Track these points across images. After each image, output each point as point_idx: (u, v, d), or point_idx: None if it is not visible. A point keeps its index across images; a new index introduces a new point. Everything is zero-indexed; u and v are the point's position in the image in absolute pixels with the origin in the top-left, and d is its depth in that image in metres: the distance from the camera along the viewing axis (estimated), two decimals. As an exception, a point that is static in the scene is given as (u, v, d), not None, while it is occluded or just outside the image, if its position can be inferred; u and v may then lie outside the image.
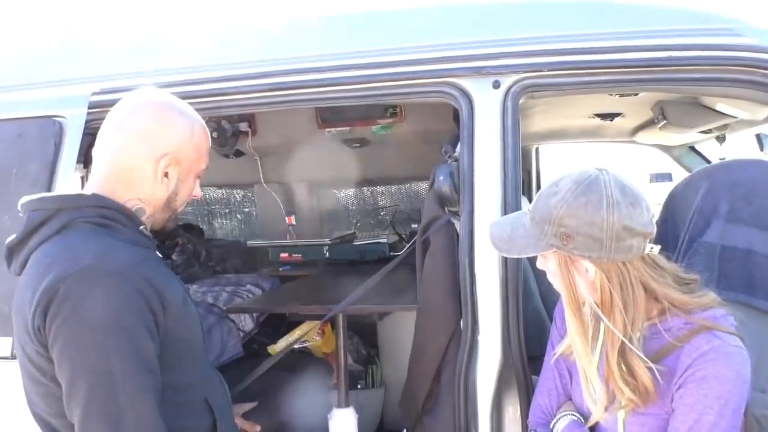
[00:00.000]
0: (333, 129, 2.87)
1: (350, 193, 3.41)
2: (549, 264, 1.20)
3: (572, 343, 1.21)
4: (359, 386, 2.63)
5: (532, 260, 1.64)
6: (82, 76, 1.76)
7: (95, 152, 1.30)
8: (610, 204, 1.08)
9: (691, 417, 1.09)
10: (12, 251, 1.26)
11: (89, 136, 2.15)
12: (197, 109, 1.73)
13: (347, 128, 2.87)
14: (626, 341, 1.12)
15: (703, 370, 1.08)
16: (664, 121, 2.13)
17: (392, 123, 2.83)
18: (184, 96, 1.69)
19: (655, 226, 1.13)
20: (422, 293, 1.62)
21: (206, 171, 1.39)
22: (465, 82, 1.54)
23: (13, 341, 1.53)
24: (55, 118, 1.70)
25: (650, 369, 1.10)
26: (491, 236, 1.25)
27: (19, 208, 1.26)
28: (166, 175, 1.28)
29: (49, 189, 1.62)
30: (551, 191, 1.15)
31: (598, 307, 1.15)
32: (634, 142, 2.88)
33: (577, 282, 1.16)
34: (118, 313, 1.11)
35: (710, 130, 2.31)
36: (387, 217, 3.28)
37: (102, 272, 1.12)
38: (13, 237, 1.25)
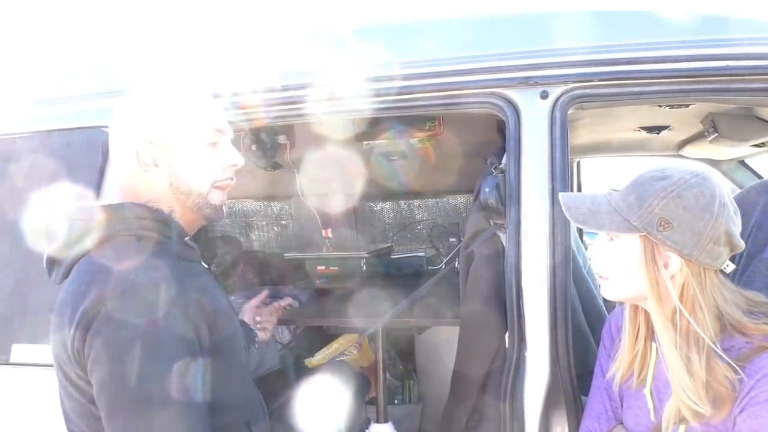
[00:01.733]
0: (371, 142, 2.87)
1: (387, 206, 3.39)
2: (619, 247, 1.12)
3: (660, 339, 1.12)
4: (396, 401, 2.59)
5: (573, 273, 1.59)
6: (128, 88, 1.79)
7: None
8: (723, 204, 1.05)
9: None
10: (53, 261, 1.23)
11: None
12: (240, 120, 1.76)
13: (385, 141, 2.87)
14: (706, 345, 1.05)
15: (767, 391, 1.02)
16: (715, 134, 2.05)
17: (431, 136, 2.81)
18: (227, 107, 1.73)
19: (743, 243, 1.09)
20: (466, 307, 1.58)
21: (228, 137, 1.32)
22: (512, 93, 1.51)
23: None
24: (103, 128, 1.72)
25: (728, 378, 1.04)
26: (566, 206, 1.18)
27: (60, 216, 1.25)
28: (155, 164, 1.21)
29: (97, 195, 1.64)
30: (658, 175, 1.10)
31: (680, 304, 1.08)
32: (680, 156, 2.80)
33: (661, 272, 1.09)
34: (160, 338, 1.06)
35: (763, 143, 2.23)
36: (424, 230, 3.25)
37: (145, 294, 1.07)
38: (54, 245, 1.22)
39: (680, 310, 1.08)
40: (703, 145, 2.45)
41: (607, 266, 1.17)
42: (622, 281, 1.15)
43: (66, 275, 1.20)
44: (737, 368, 1.04)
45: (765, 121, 1.92)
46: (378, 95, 1.62)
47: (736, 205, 1.07)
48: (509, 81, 1.51)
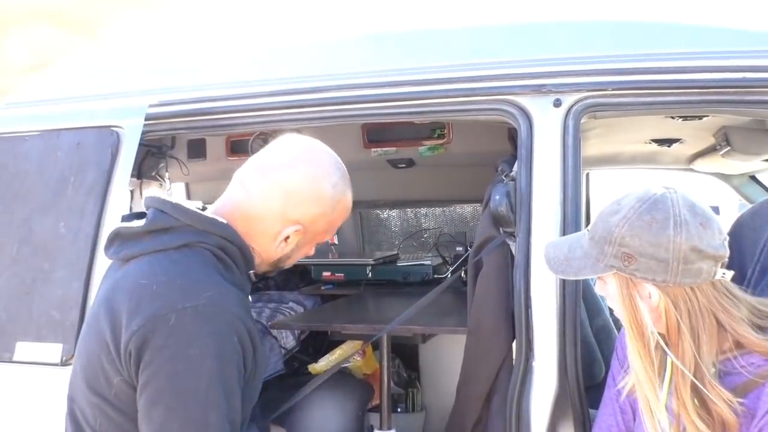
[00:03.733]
0: (379, 149, 2.87)
1: (394, 214, 3.39)
2: (608, 288, 1.13)
3: (635, 374, 1.14)
4: (399, 410, 2.57)
5: (583, 289, 1.58)
6: (139, 89, 1.80)
7: (237, 176, 1.24)
8: (678, 223, 1.02)
9: None
10: (120, 237, 1.18)
11: (144, 147, 2.21)
12: (246, 123, 1.76)
13: (393, 148, 2.86)
14: (697, 375, 1.04)
15: None
16: (728, 148, 2.04)
17: (439, 144, 2.81)
18: (235, 110, 1.73)
19: (728, 249, 1.06)
20: (473, 315, 1.56)
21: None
22: (524, 100, 1.50)
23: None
24: (113, 128, 1.72)
25: (729, 402, 1.02)
26: (546, 257, 1.19)
27: (142, 198, 1.22)
28: (286, 239, 1.21)
29: (104, 197, 1.63)
30: (612, 209, 1.09)
31: (663, 335, 1.08)
32: (690, 169, 2.78)
33: (639, 307, 1.08)
34: (224, 363, 1.05)
35: (776, 157, 2.21)
36: (430, 239, 3.24)
37: (217, 316, 1.05)
38: (128, 224, 1.18)
39: (661, 343, 1.07)
40: (714, 158, 2.44)
41: (611, 305, 1.16)
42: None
43: (127, 260, 1.16)
44: (731, 397, 1.02)
45: (779, 134, 1.91)
46: (389, 100, 1.61)
47: (705, 216, 1.04)
48: (522, 88, 1.50)
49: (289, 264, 1.29)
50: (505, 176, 1.53)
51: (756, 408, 1.03)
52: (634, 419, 1.25)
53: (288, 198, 1.18)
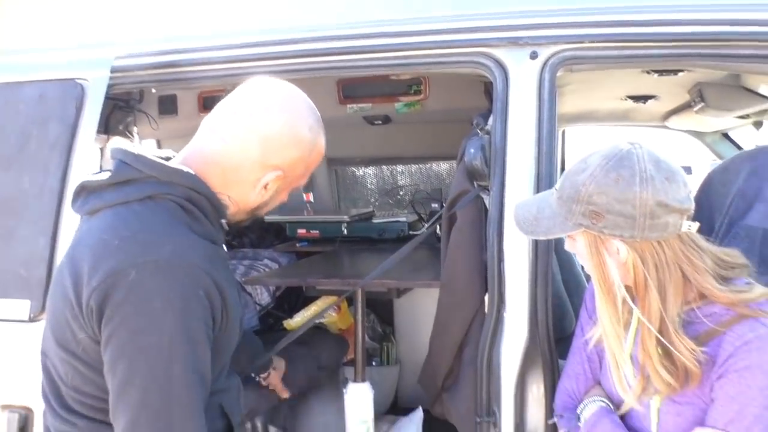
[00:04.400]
0: (355, 105, 2.83)
1: (370, 171, 3.37)
2: (578, 245, 1.14)
3: (602, 327, 1.16)
4: (374, 363, 2.61)
5: (555, 242, 1.59)
6: (105, 40, 1.73)
7: (206, 123, 1.18)
8: (644, 179, 1.02)
9: (731, 408, 1.03)
10: (85, 190, 1.14)
11: (111, 101, 2.14)
12: (218, 76, 1.71)
13: (369, 105, 2.82)
14: (662, 326, 1.06)
15: (746, 359, 1.02)
16: (702, 104, 2.05)
17: (416, 101, 2.78)
18: (206, 62, 1.67)
19: (693, 202, 1.07)
20: (447, 268, 1.57)
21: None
22: (500, 53, 1.48)
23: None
24: (77, 81, 1.66)
25: (692, 351, 1.04)
26: (515, 217, 1.19)
27: (109, 152, 1.16)
28: (265, 186, 1.18)
29: (69, 152, 1.59)
30: (579, 168, 1.09)
31: (631, 288, 1.10)
32: (665, 127, 2.80)
33: (607, 263, 1.09)
34: (187, 316, 1.02)
35: (748, 115, 2.23)
36: (406, 196, 3.23)
37: (180, 269, 1.03)
38: (93, 177, 1.14)
39: (626, 297, 1.09)
40: (688, 116, 2.45)
41: (581, 262, 1.17)
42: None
43: (93, 212, 1.12)
44: (694, 347, 1.04)
45: (751, 91, 1.91)
46: (365, 52, 1.58)
47: (669, 170, 1.04)
48: (498, 41, 1.48)
49: (265, 211, 1.26)
50: (480, 130, 1.52)
51: (717, 355, 1.05)
52: (600, 367, 1.28)
53: (266, 144, 1.14)
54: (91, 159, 1.59)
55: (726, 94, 1.99)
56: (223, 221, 1.20)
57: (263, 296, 2.48)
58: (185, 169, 1.13)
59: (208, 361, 1.06)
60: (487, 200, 1.49)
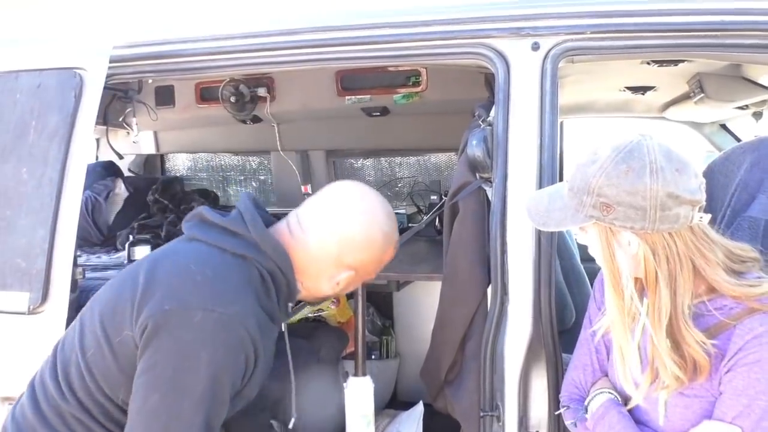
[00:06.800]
0: (353, 97, 2.81)
1: (368, 163, 3.35)
2: (589, 237, 1.13)
3: (610, 319, 1.16)
4: (373, 357, 2.60)
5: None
6: (104, 29, 1.71)
7: (295, 212, 1.31)
8: (654, 170, 1.01)
9: (740, 402, 1.03)
10: (200, 218, 1.28)
11: (110, 91, 2.12)
12: (217, 67, 1.70)
13: (368, 96, 2.81)
14: (672, 318, 1.06)
15: (756, 353, 1.02)
16: (701, 95, 2.04)
17: (415, 92, 2.76)
18: (206, 52, 1.66)
19: (704, 193, 1.06)
20: (449, 261, 1.57)
21: None
22: (502, 44, 1.47)
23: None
24: (75, 70, 1.64)
25: (702, 344, 1.04)
26: (527, 209, 1.18)
27: (240, 197, 1.32)
28: (338, 282, 1.30)
29: (68, 142, 1.57)
30: (589, 159, 1.08)
31: (641, 281, 1.09)
32: (663, 118, 2.80)
33: (617, 255, 1.09)
34: (224, 373, 1.11)
35: (747, 106, 2.23)
36: (405, 188, 3.23)
37: (235, 330, 1.11)
38: (213, 213, 1.26)
39: (634, 292, 1.10)
40: (687, 106, 2.45)
41: (592, 254, 1.17)
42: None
43: (193, 239, 1.24)
44: (704, 339, 1.04)
45: (751, 82, 1.91)
46: (365, 44, 1.57)
47: (680, 161, 1.03)
48: (500, 32, 1.47)
49: (329, 298, 1.41)
50: (482, 121, 1.51)
51: (726, 348, 1.05)
52: (608, 359, 1.28)
53: (343, 245, 1.26)
54: (89, 149, 1.57)
55: (726, 84, 1.98)
56: (291, 306, 1.31)
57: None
58: (282, 247, 1.24)
59: (223, 417, 1.16)
60: (489, 192, 1.48)
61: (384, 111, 2.91)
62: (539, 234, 1.39)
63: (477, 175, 1.51)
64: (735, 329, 1.05)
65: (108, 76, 1.65)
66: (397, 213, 2.79)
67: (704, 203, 1.06)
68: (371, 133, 3.06)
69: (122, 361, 1.16)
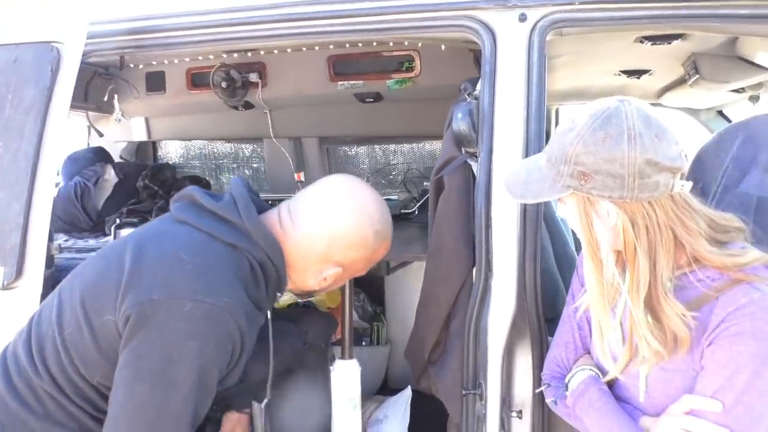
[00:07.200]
0: (346, 82, 2.78)
1: (362, 150, 3.32)
2: (568, 209, 1.09)
3: (589, 293, 1.12)
4: (364, 343, 2.57)
5: (546, 218, 1.54)
6: (83, 3, 1.67)
7: (287, 203, 1.28)
8: (632, 137, 0.96)
9: (721, 375, 0.99)
10: (188, 198, 1.25)
11: (90, 67, 2.09)
12: (200, 41, 1.66)
13: (360, 81, 2.78)
14: (652, 290, 1.02)
15: (738, 324, 0.98)
16: (696, 76, 2.00)
17: (408, 77, 2.73)
18: (188, 27, 1.63)
19: (685, 160, 1.01)
20: (434, 237, 1.54)
21: None
22: (488, 15, 1.44)
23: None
24: (53, 44, 1.61)
25: (682, 316, 1.00)
26: (505, 182, 1.14)
27: (230, 182, 1.29)
28: (325, 278, 1.28)
29: (45, 116, 1.54)
30: (567, 127, 1.03)
31: (621, 252, 1.05)
32: (659, 104, 2.76)
33: (596, 226, 1.05)
34: (212, 363, 1.10)
35: (743, 89, 2.19)
36: (399, 176, 3.19)
37: (224, 321, 1.10)
38: (204, 196, 1.23)
39: (614, 265, 1.07)
40: (683, 91, 2.42)
41: (572, 227, 1.12)
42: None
43: (183, 221, 1.21)
44: (685, 312, 1.00)
45: (747, 61, 1.87)
46: (351, 16, 1.53)
47: (659, 127, 0.99)
48: (486, 3, 1.44)
49: (319, 294, 1.38)
50: (468, 95, 1.48)
51: (708, 321, 1.01)
52: (590, 336, 1.24)
53: (332, 241, 1.24)
54: (65, 123, 1.54)
55: (721, 65, 1.94)
56: (279, 296, 1.30)
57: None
58: (274, 238, 1.22)
59: (208, 406, 1.16)
60: (474, 167, 1.45)
61: (377, 97, 2.88)
62: (524, 208, 1.35)
63: (462, 149, 1.47)
64: (717, 301, 1.01)
65: (87, 53, 1.62)
66: (390, 199, 2.78)
67: (685, 171, 1.01)
68: (365, 119, 3.03)
69: (102, 344, 1.13)
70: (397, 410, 2.01)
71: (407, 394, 2.05)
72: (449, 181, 1.49)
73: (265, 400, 1.46)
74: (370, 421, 2.10)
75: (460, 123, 1.41)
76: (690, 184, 1.02)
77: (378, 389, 2.57)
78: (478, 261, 1.38)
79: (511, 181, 1.13)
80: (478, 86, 1.47)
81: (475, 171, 1.44)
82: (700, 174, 1.53)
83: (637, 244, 1.01)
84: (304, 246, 1.24)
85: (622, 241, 1.03)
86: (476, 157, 1.43)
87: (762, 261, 1.03)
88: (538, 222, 1.36)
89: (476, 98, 1.45)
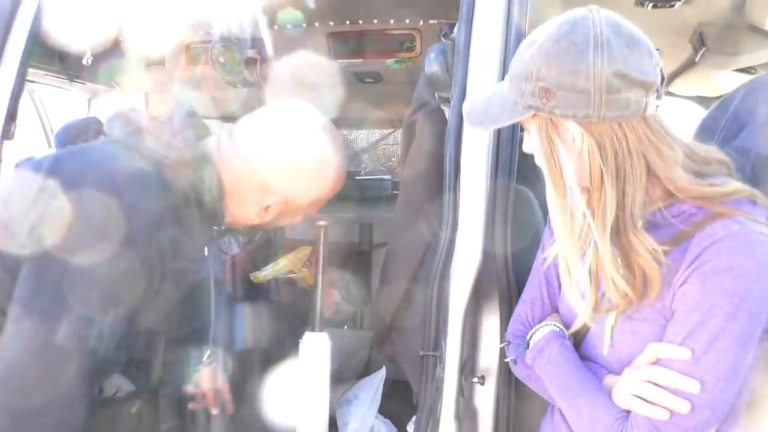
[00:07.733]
0: (345, 60, 2.72)
1: (361, 134, 3.25)
2: (531, 138, 0.96)
3: (554, 231, 0.99)
4: (346, 327, 2.47)
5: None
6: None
7: (228, 127, 1.21)
8: (599, 44, 0.85)
9: (692, 319, 0.86)
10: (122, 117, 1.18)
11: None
12: None
13: (360, 60, 2.71)
14: (620, 224, 0.90)
15: (713, 260, 0.85)
16: (704, 49, 1.88)
17: (408, 57, 2.66)
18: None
19: (660, 75, 0.89)
20: (402, 188, 1.44)
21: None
22: (467, -49, 1.34)
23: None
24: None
25: (653, 252, 0.88)
26: (465, 109, 1.02)
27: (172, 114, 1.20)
28: (266, 208, 1.19)
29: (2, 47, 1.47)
30: (530, 41, 0.92)
31: (586, 181, 0.92)
32: (670, 93, 2.63)
33: (560, 152, 0.92)
34: (117, 281, 1.02)
35: (753, 69, 2.06)
36: (396, 159, 3.11)
37: (143, 244, 1.03)
38: (133, 114, 1.18)
39: (579, 193, 0.93)
40: (694, 76, 2.30)
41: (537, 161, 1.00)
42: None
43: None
44: (656, 246, 0.89)
45: (757, 29, 1.75)
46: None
47: (631, 36, 0.87)
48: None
49: (270, 227, 1.30)
50: (443, 36, 1.38)
51: (682, 261, 0.89)
52: (559, 291, 1.12)
53: (271, 166, 1.15)
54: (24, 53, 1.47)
55: (728, 35, 1.82)
56: (216, 228, 1.21)
57: (231, 245, 2.36)
58: (210, 162, 1.13)
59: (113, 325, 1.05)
60: (447, 113, 1.35)
61: (377, 77, 2.81)
62: (496, 156, 1.24)
63: (436, 95, 1.37)
64: (695, 238, 0.88)
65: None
66: (382, 179, 2.70)
67: (661, 90, 0.89)
68: (363, 101, 2.96)
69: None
70: (370, 389, 1.90)
71: (381, 374, 1.94)
72: (420, 129, 1.38)
73: (207, 353, 1.36)
74: (341, 401, 1.99)
75: (432, 63, 1.32)
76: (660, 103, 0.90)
77: (360, 374, 2.46)
78: (445, 213, 1.27)
79: (472, 111, 1.02)
80: (455, 29, 1.37)
81: (447, 117, 1.34)
82: (702, 135, 1.42)
83: (603, 170, 0.89)
84: (241, 171, 1.15)
85: (588, 169, 0.91)
86: (449, 102, 1.33)
87: (746, 193, 0.91)
88: (511, 173, 1.24)
89: (452, 40, 1.35)
